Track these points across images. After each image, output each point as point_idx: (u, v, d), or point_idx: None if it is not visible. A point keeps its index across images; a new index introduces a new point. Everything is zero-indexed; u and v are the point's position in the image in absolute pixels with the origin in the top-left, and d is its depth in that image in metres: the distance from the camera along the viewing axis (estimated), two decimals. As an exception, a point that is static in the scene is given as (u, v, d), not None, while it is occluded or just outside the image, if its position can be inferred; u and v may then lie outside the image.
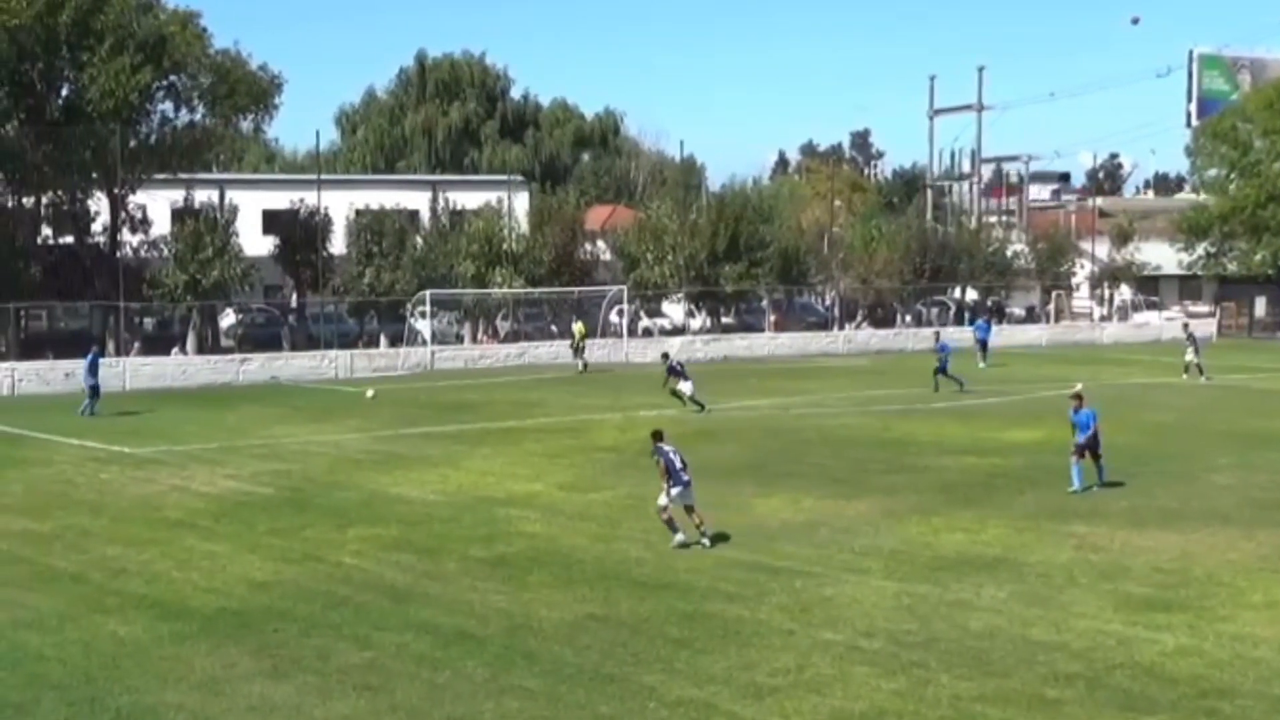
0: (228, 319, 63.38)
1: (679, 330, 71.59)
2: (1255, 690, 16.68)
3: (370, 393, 37.30)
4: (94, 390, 47.09)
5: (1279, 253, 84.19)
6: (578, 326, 63.70)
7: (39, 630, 19.49)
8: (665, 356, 49.06)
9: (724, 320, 74.09)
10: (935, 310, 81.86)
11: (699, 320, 73.96)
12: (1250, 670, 17.50)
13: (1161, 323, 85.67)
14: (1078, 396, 31.95)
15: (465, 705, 16.06)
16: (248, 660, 17.96)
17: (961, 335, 69.84)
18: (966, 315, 75.71)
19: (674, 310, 74.53)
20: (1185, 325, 75.13)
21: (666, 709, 15.76)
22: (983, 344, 62.65)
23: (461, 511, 28.16)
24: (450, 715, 15.77)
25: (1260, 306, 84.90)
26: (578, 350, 62.06)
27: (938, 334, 63.75)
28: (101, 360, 49.28)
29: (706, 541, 25.07)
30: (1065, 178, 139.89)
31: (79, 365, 52.45)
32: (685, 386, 45.29)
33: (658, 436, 26.38)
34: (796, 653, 17.99)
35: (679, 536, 25.14)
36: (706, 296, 74.22)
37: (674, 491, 25.47)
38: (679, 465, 25.68)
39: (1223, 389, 53.09)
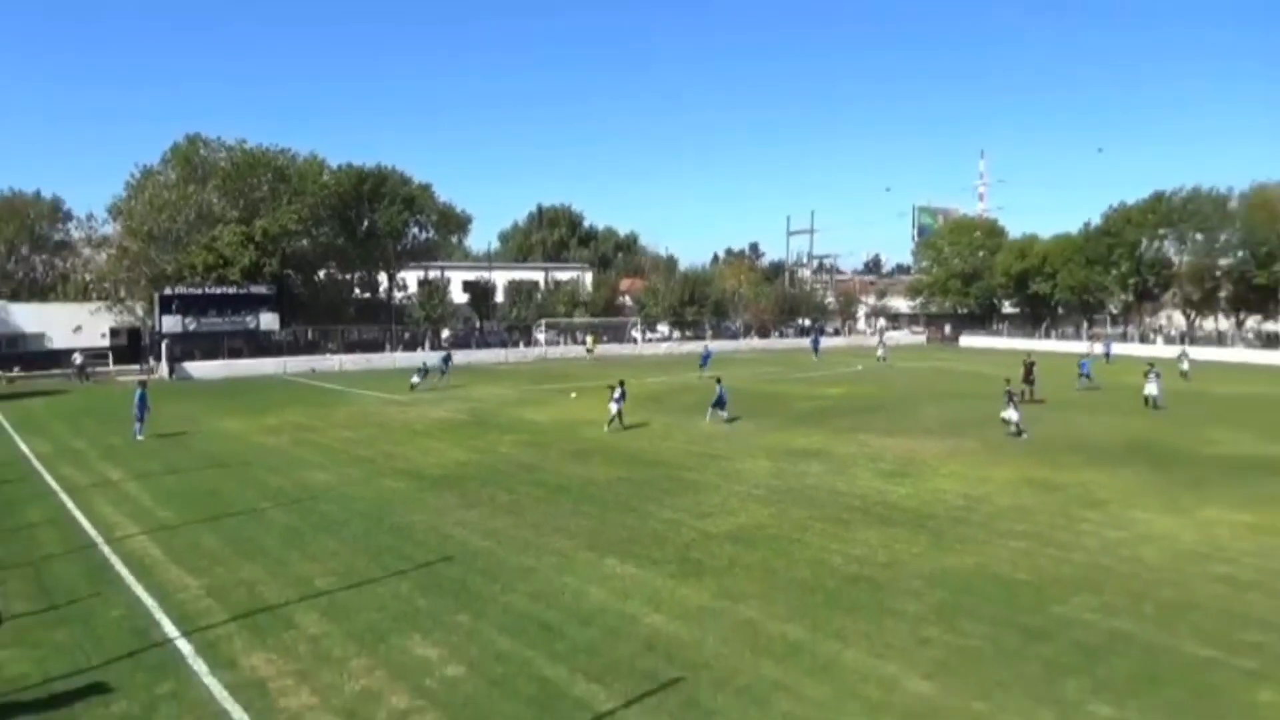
0: (445, 333, 63.10)
1: (666, 338, 70.88)
2: (945, 514, 17.30)
3: (573, 394, 36.41)
4: (445, 362, 44.58)
5: (956, 304, 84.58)
6: (590, 337, 64.91)
7: (351, 484, 20.13)
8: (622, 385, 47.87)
9: (687, 334, 73.31)
10: (792, 330, 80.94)
11: (675, 334, 73.28)
12: (941, 504, 18.16)
13: (900, 337, 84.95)
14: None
15: (561, 520, 16.50)
16: (454, 499, 18.47)
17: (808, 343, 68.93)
18: (808, 333, 74.96)
19: (663, 329, 73.97)
20: (880, 332, 75.18)
21: (658, 522, 16.40)
22: (815, 347, 61.58)
23: (559, 427, 28.22)
24: (555, 525, 16.25)
25: (948, 329, 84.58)
26: (590, 349, 62.60)
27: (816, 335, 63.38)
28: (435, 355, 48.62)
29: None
30: (875, 264, 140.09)
31: (372, 357, 52.35)
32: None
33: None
34: (722, 496, 18.58)
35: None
36: (679, 323, 73.78)
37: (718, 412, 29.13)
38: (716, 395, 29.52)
39: (930, 370, 52.65)
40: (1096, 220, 78.67)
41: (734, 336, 76.57)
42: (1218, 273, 73.07)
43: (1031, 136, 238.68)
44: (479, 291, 72.71)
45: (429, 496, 18.72)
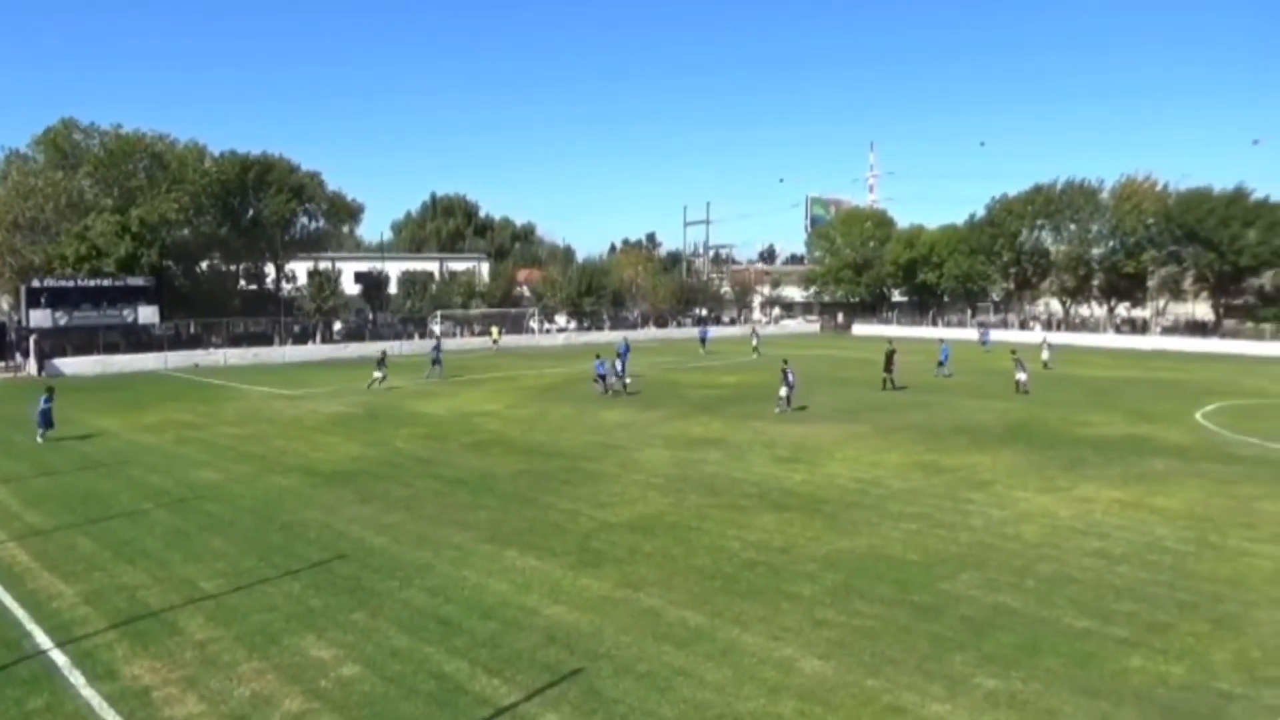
0: (338, 326, 61.50)
1: (564, 329, 70.41)
2: (839, 499, 17.64)
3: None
4: (436, 351, 42.75)
5: (849, 293, 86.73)
6: (495, 328, 62.94)
7: (239, 482, 19.39)
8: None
9: (585, 325, 73.20)
10: (689, 320, 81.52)
11: (573, 325, 73.01)
12: (835, 488, 18.51)
13: (794, 325, 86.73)
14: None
15: (460, 514, 16.22)
16: (348, 495, 18.04)
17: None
18: (702, 323, 75.55)
19: (561, 320, 73.52)
20: (754, 324, 75.59)
21: (558, 513, 16.30)
22: (703, 338, 61.07)
23: (456, 419, 27.77)
24: (453, 519, 15.98)
25: (840, 317, 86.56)
26: (495, 340, 60.90)
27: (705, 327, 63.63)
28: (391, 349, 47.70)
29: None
30: (770, 254, 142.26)
31: (260, 351, 50.73)
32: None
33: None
34: (621, 485, 18.61)
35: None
36: (577, 314, 73.67)
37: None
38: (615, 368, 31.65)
39: (824, 358, 53.85)
40: (980, 212, 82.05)
41: (632, 326, 76.85)
42: (1091, 262, 76.93)
43: (919, 130, 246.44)
44: (372, 283, 71.08)
45: (322, 493, 18.23)
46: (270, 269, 63.13)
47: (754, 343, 56.28)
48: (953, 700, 9.12)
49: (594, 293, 74.98)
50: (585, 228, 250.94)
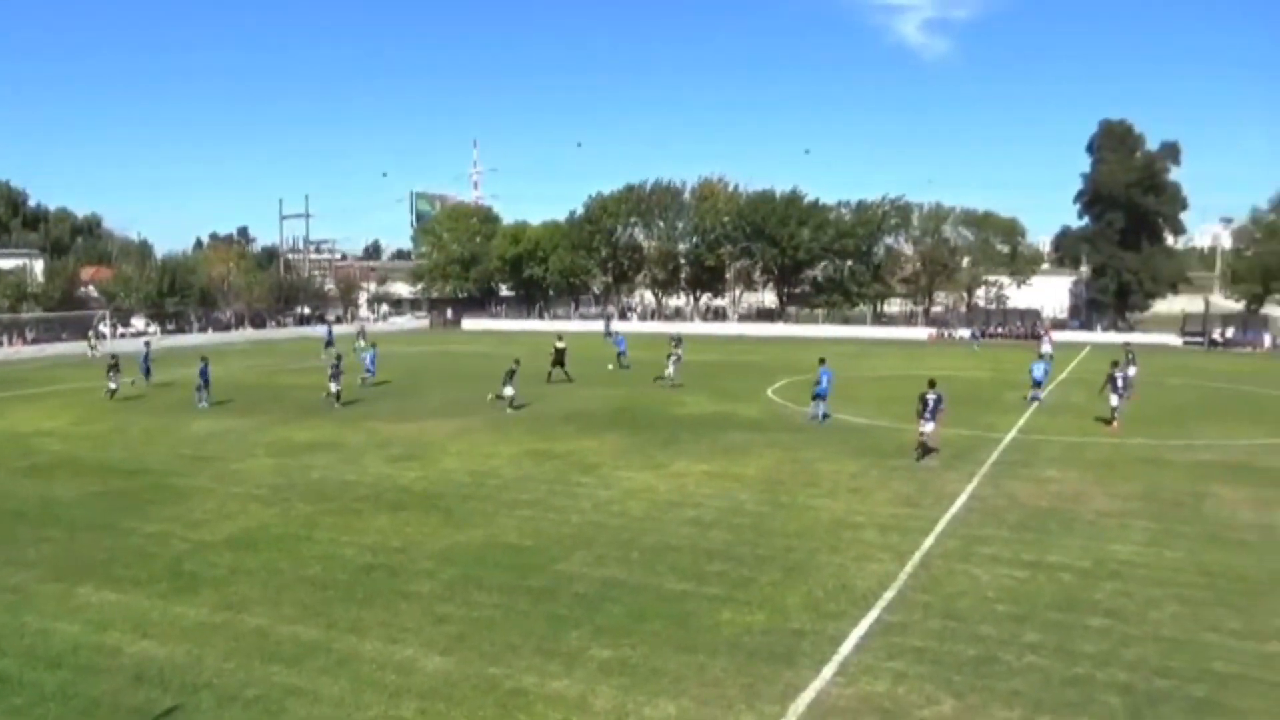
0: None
1: (143, 333, 63.00)
2: (454, 493, 17.78)
3: None
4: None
5: (457, 288, 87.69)
6: (91, 332, 54.18)
7: None
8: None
9: (169, 327, 66.38)
10: (291, 319, 77.05)
11: (154, 328, 65.73)
12: (450, 483, 18.67)
13: (404, 322, 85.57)
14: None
15: (16, 551, 14.23)
16: None
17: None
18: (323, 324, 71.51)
19: (139, 323, 65.88)
20: (361, 322, 73.03)
21: (142, 538, 14.84)
22: (329, 339, 55.40)
23: (5, 441, 23.70)
24: (7, 557, 14.35)
25: (450, 313, 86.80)
26: (93, 346, 51.68)
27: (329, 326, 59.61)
28: None
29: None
30: (376, 250, 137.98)
31: None
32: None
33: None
34: (218, 500, 17.21)
35: None
36: (159, 315, 66.61)
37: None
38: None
39: (435, 354, 53.47)
40: (579, 209, 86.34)
41: (226, 328, 71.03)
42: (678, 256, 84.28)
43: (521, 129, 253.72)
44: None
45: None
46: None
47: (360, 342, 53.97)
48: (570, 675, 9.53)
49: (178, 292, 68.14)
50: (165, 222, 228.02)
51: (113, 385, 31.92)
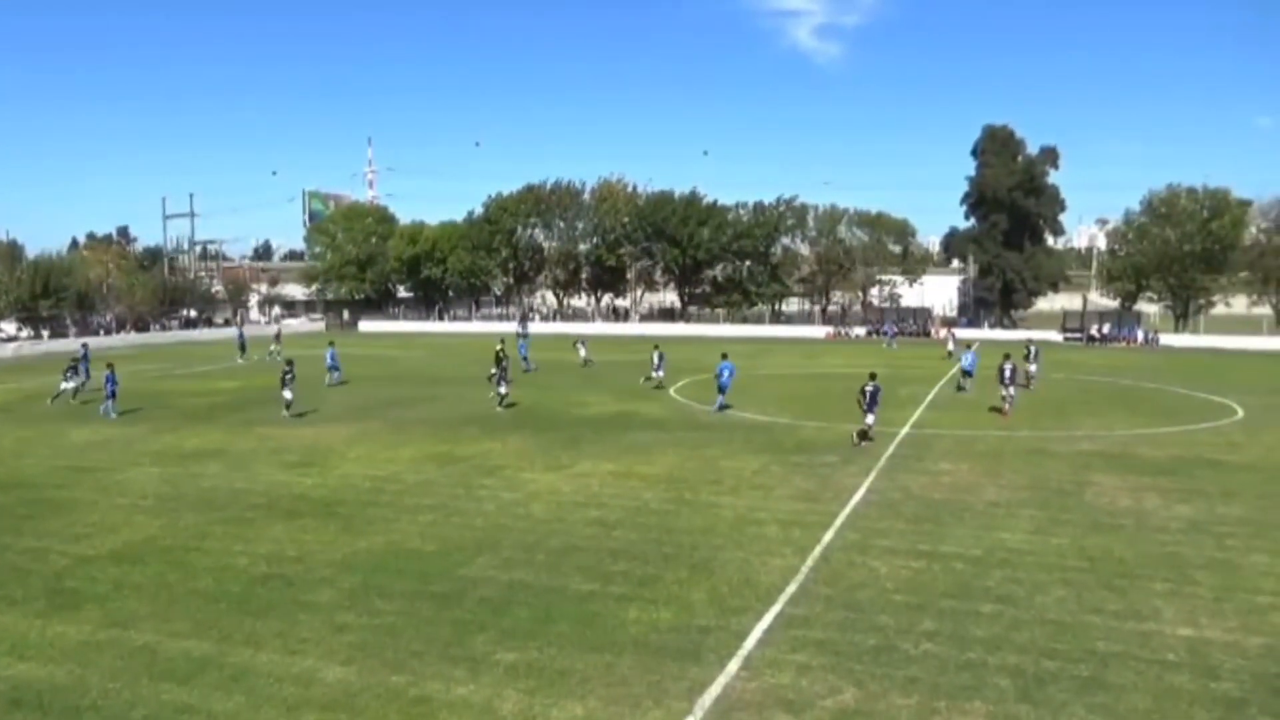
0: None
1: (13, 339, 59.60)
2: (354, 499, 17.38)
3: None
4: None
5: (353, 289, 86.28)
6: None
7: None
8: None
9: (43, 331, 63.14)
10: (176, 322, 74.13)
11: (27, 333, 62.38)
12: (349, 489, 18.28)
13: (297, 324, 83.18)
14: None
15: None
16: None
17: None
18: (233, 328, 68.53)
19: (9, 327, 62.33)
20: (238, 326, 68.78)
21: (17, 554, 14.31)
22: (241, 343, 52.90)
23: None
24: None
25: (346, 314, 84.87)
26: None
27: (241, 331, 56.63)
28: None
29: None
30: (266, 250, 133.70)
31: None
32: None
33: None
34: (100, 512, 16.45)
35: None
36: (31, 319, 63.23)
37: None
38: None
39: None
40: (478, 209, 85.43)
41: (107, 332, 67.92)
42: (579, 256, 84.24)
43: (417, 127, 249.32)
44: None
45: None
46: None
47: (273, 347, 52.21)
48: (476, 680, 9.41)
49: (53, 294, 64.82)
50: (37, 221, 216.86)
51: (66, 386, 31.35)
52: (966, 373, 34.09)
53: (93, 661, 9.97)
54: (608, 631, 10.73)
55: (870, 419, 22.57)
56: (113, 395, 28.05)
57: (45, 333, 63.29)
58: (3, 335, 61.73)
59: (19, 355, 55.15)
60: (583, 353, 44.19)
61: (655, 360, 34.40)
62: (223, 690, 9.26)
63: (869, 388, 22.67)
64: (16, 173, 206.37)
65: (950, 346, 47.86)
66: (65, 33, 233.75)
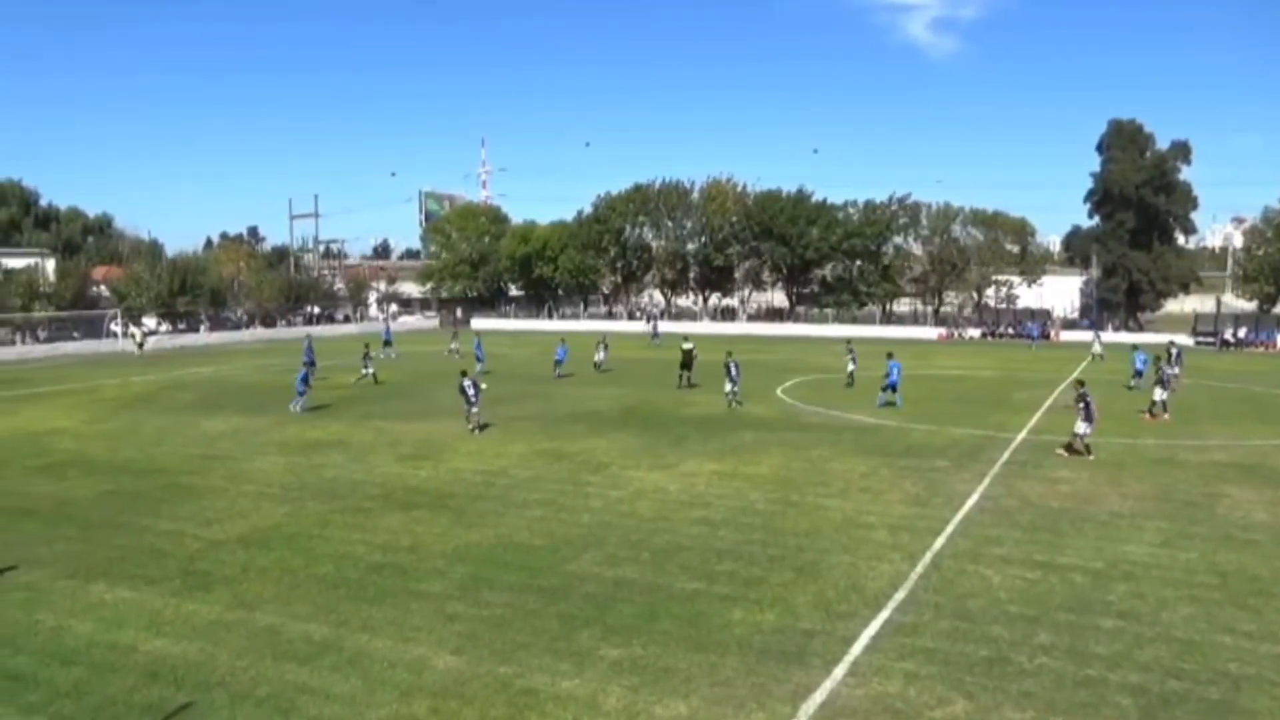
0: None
1: (154, 332, 63.06)
2: (464, 492, 17.89)
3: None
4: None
5: (466, 288, 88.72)
6: (136, 330, 55.33)
7: None
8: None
9: (180, 327, 66.65)
10: (300, 319, 77.26)
11: (165, 327, 65.89)
12: (460, 482, 18.79)
13: (413, 321, 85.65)
14: None
15: (30, 549, 14.18)
16: None
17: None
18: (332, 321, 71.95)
19: (150, 322, 65.87)
20: (385, 319, 73.20)
21: (155, 536, 14.91)
22: (387, 338, 53.63)
23: (18, 440, 23.96)
24: (21, 555, 14.51)
25: (459, 312, 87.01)
26: (140, 344, 52.42)
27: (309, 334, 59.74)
28: None
29: None
30: (385, 249, 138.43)
31: None
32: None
33: None
34: (230, 499, 17.30)
35: None
36: (169, 314, 66.85)
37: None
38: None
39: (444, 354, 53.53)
40: (587, 209, 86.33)
41: (236, 327, 71.29)
42: (687, 256, 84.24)
43: (529, 128, 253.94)
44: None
45: None
46: None
47: (453, 345, 53.39)
48: (581, 675, 9.53)
49: (189, 291, 68.37)
50: (175, 221, 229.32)
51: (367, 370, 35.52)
52: (1138, 372, 34.36)
53: (222, 640, 10.51)
54: (712, 631, 10.71)
55: (1083, 428, 21.07)
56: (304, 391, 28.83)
57: (182, 326, 66.98)
58: (144, 330, 65.53)
59: (158, 348, 58.53)
60: (600, 355, 41.27)
61: (731, 370, 32.50)
62: (340, 673, 9.62)
63: (1085, 396, 21.30)
64: (159, 176, 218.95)
65: (1097, 348, 46.20)
66: (202, 44, 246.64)
